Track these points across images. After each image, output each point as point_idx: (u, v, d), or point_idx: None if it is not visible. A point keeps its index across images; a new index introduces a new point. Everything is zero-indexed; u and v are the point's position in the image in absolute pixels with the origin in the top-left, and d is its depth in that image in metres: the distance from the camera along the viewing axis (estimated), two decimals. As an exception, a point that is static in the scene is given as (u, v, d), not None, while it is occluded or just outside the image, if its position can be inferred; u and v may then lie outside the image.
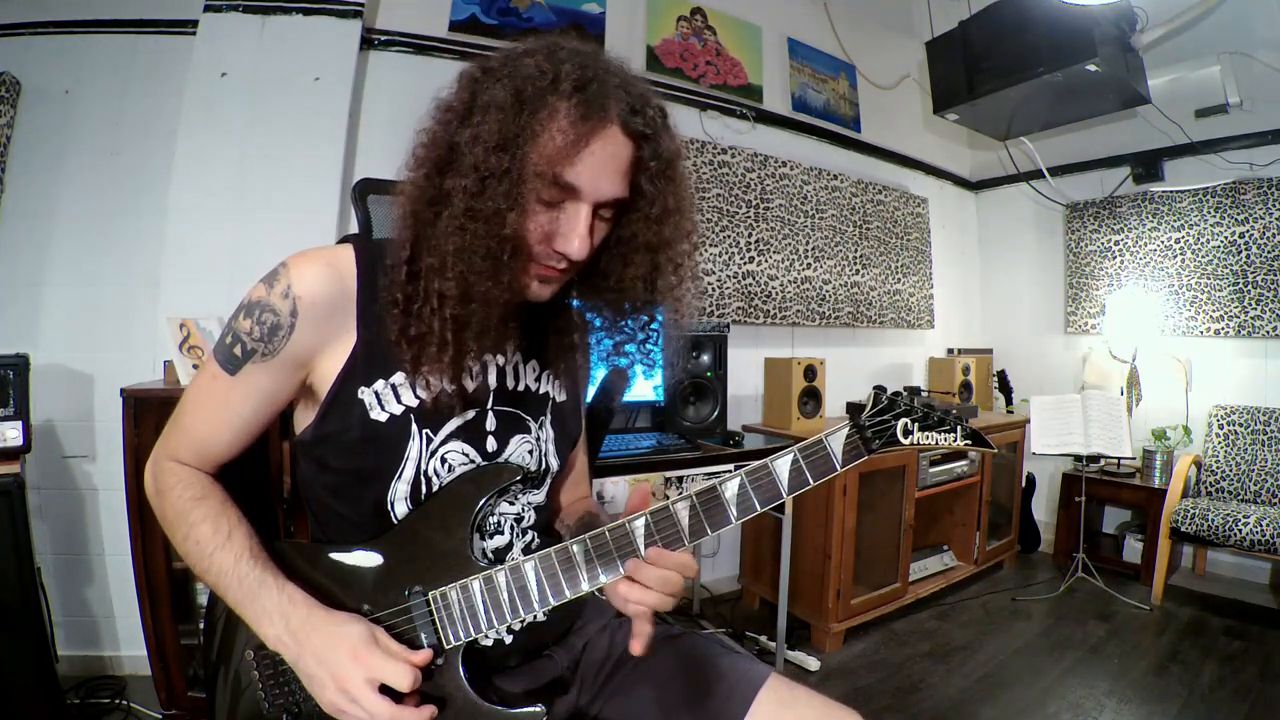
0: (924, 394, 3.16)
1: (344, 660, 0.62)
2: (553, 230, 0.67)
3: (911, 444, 0.68)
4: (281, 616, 0.64)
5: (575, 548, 0.67)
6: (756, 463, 0.67)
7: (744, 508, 0.66)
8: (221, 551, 0.67)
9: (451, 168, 0.64)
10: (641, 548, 0.66)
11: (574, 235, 0.67)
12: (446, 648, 0.68)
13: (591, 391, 1.01)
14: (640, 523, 0.66)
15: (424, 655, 0.66)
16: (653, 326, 0.81)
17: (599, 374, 0.98)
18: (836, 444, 0.67)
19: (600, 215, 0.70)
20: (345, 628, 0.64)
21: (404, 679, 0.62)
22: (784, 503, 0.68)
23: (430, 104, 0.69)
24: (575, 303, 0.84)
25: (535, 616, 0.69)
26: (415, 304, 0.67)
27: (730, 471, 0.67)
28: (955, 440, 0.69)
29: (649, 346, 0.82)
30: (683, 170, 0.74)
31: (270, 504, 1.51)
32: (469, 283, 0.64)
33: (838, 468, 0.67)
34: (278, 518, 1.53)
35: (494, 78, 0.65)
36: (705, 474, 1.93)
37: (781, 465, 0.67)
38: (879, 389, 0.69)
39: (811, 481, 0.67)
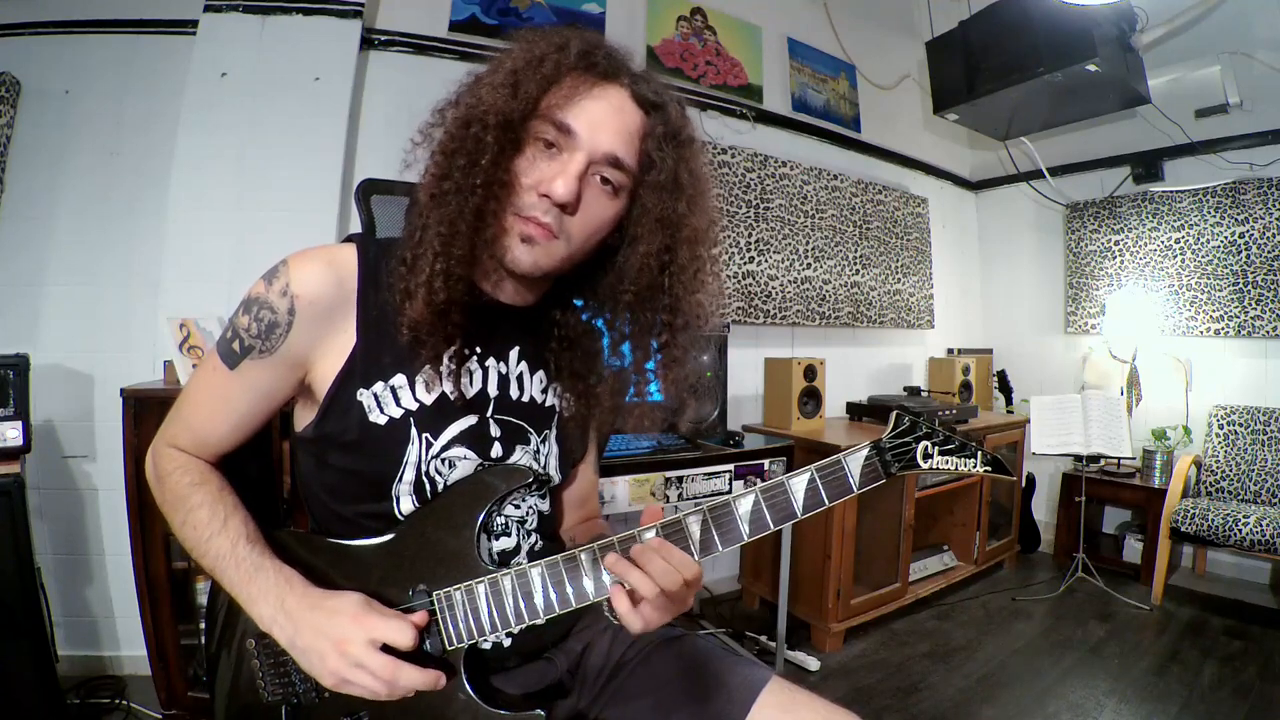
0: (924, 394, 3.18)
1: (344, 624, 0.62)
2: (542, 176, 0.67)
3: (930, 468, 0.66)
4: (277, 596, 0.65)
5: (583, 555, 0.67)
6: (773, 480, 0.66)
7: (757, 525, 0.65)
8: (219, 535, 0.68)
9: (464, 120, 0.66)
10: None
11: (560, 176, 0.66)
12: (449, 649, 0.68)
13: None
14: (650, 534, 0.66)
15: (421, 616, 0.66)
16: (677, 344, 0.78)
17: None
18: (855, 465, 0.65)
19: (602, 178, 0.69)
20: (340, 599, 0.65)
21: (404, 636, 0.63)
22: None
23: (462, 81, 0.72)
24: (597, 322, 0.83)
25: (538, 623, 0.69)
26: (413, 254, 0.68)
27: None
28: (975, 466, 0.67)
29: (666, 367, 0.80)
30: (699, 150, 0.74)
31: (273, 499, 1.51)
32: (458, 211, 0.65)
33: (854, 489, 0.65)
34: (279, 514, 1.53)
35: (515, 45, 0.69)
36: (705, 474, 1.93)
37: (797, 484, 0.65)
38: (900, 410, 0.68)
39: (827, 502, 0.65)
